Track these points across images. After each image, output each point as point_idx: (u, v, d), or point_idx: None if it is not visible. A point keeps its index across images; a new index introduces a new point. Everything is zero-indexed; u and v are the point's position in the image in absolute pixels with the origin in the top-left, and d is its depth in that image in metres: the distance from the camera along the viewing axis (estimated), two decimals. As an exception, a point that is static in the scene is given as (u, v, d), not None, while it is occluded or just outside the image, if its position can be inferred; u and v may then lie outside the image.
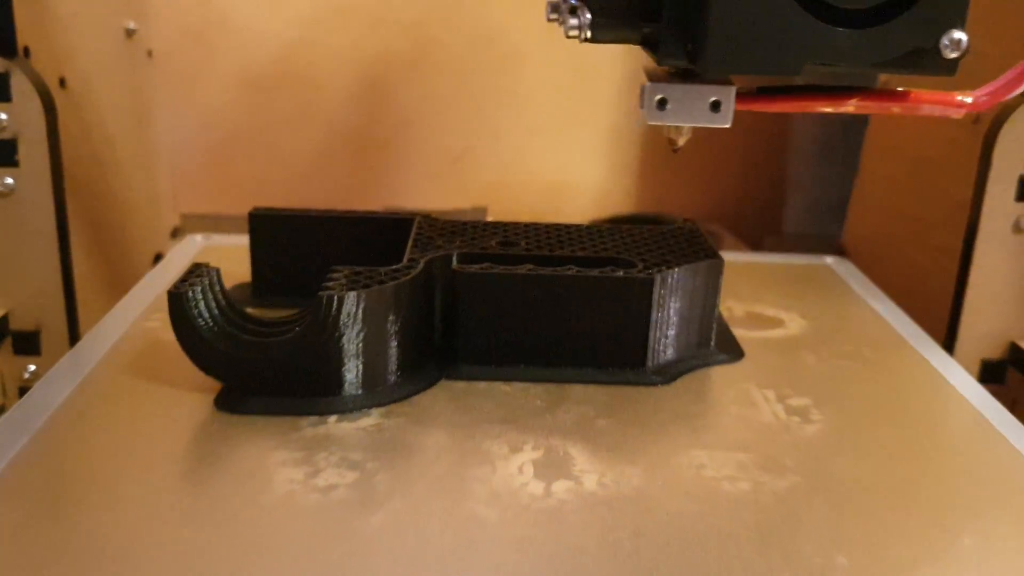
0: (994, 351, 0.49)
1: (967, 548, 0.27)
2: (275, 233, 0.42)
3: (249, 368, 0.33)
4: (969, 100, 0.31)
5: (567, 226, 0.42)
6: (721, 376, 0.37)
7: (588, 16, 0.29)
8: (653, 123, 0.30)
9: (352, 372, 0.33)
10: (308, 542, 0.26)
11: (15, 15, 0.45)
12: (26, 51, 0.46)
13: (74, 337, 0.49)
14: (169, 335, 0.33)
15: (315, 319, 0.32)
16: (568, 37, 0.30)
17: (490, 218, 0.73)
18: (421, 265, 0.36)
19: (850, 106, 0.31)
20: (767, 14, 0.27)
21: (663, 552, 0.26)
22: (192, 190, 0.81)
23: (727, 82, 0.30)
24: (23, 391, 0.48)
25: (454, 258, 0.37)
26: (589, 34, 0.29)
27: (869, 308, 0.46)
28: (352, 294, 0.32)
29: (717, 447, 0.32)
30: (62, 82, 0.51)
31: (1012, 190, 0.47)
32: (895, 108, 0.31)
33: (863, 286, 0.49)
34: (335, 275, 0.34)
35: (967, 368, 0.48)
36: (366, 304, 0.33)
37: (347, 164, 0.85)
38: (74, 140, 0.51)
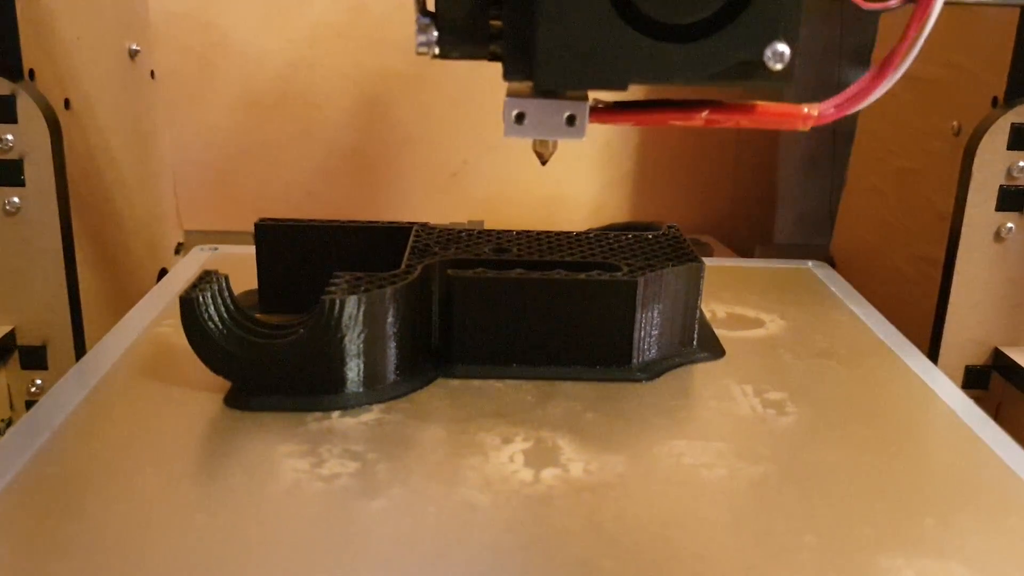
0: (978, 357, 0.51)
1: (928, 528, 0.29)
2: (280, 242, 0.45)
3: (257, 368, 0.35)
4: (815, 113, 0.31)
5: (556, 233, 0.45)
6: (703, 373, 0.39)
7: (435, 34, 0.30)
8: (511, 136, 0.31)
9: (354, 371, 0.35)
10: (313, 525, 0.28)
11: (21, 39, 0.46)
12: (31, 73, 0.48)
13: (80, 352, 0.50)
14: (180, 339, 0.35)
15: (319, 321, 0.34)
16: (418, 54, 0.30)
17: (485, 230, 0.75)
18: (418, 270, 0.38)
19: (700, 119, 0.31)
20: (593, 31, 0.28)
21: (643, 533, 0.28)
22: (195, 207, 0.83)
23: (583, 97, 0.31)
24: (30, 405, 0.49)
25: (449, 264, 0.39)
26: (437, 51, 0.30)
27: (847, 310, 0.48)
28: (353, 298, 0.34)
29: (696, 437, 0.34)
30: (67, 103, 0.52)
31: (992, 201, 0.48)
32: (744, 121, 0.31)
33: (842, 290, 0.51)
34: (337, 280, 0.36)
35: (952, 374, 0.50)
36: (366, 307, 0.35)
37: (347, 180, 0.86)
38: (79, 160, 0.53)
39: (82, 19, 0.55)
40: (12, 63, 0.46)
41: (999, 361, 0.50)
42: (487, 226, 0.82)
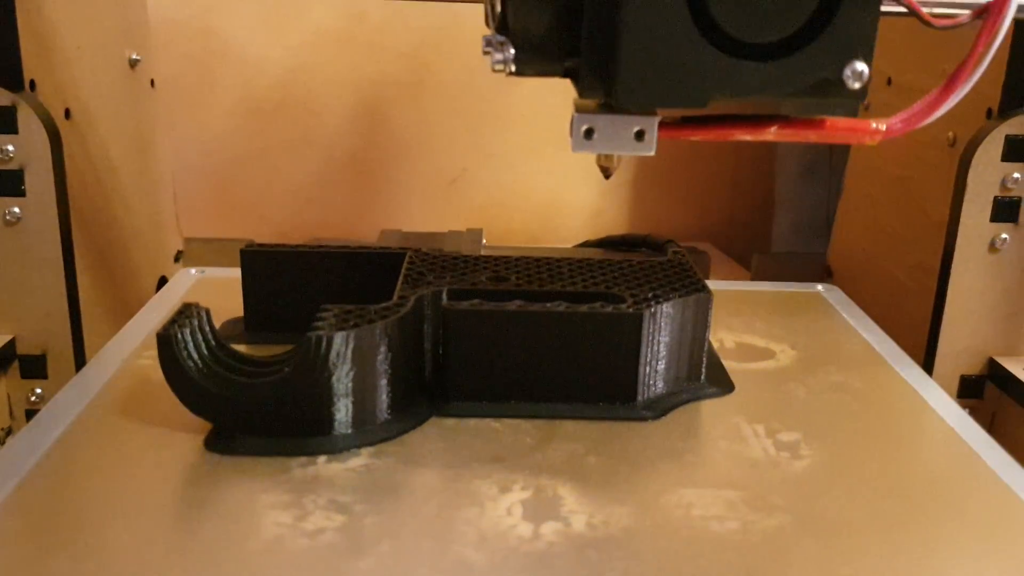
0: (972, 367, 0.51)
1: (956, 588, 0.27)
2: (266, 269, 0.43)
3: (238, 409, 0.33)
4: (883, 127, 0.31)
5: (557, 260, 0.43)
6: (711, 410, 0.37)
7: (512, 51, 0.30)
8: (579, 151, 0.31)
9: (342, 412, 0.33)
10: (295, 589, 0.26)
11: (22, 49, 0.46)
12: (32, 84, 0.48)
13: (80, 360, 0.50)
14: (159, 373, 0.33)
15: (304, 359, 0.32)
16: (494, 71, 0.30)
17: (485, 239, 0.73)
18: (411, 302, 0.36)
19: (769, 134, 0.31)
20: (676, 50, 0.28)
21: (651, 596, 0.26)
22: (195, 215, 0.83)
23: (651, 112, 0.31)
24: (30, 414, 0.49)
25: (444, 294, 0.37)
26: (513, 68, 0.30)
27: (860, 339, 0.46)
28: (340, 334, 0.32)
29: (706, 485, 0.32)
30: (67, 113, 0.52)
31: (987, 211, 0.48)
32: (811, 135, 0.32)
33: (852, 314, 0.49)
34: (325, 314, 0.34)
35: (947, 383, 0.50)
36: (355, 344, 0.33)
37: (346, 187, 0.86)
38: (79, 169, 0.53)
39: (83, 29, 0.55)
40: (13, 74, 0.46)
41: (994, 371, 0.50)
42: (486, 233, 0.81)
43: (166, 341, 0.33)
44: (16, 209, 0.47)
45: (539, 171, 0.87)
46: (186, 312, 0.34)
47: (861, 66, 0.28)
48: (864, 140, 0.31)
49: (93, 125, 0.56)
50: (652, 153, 0.31)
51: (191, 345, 0.33)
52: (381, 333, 0.34)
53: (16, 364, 0.49)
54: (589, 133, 0.31)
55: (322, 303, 0.35)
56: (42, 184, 0.47)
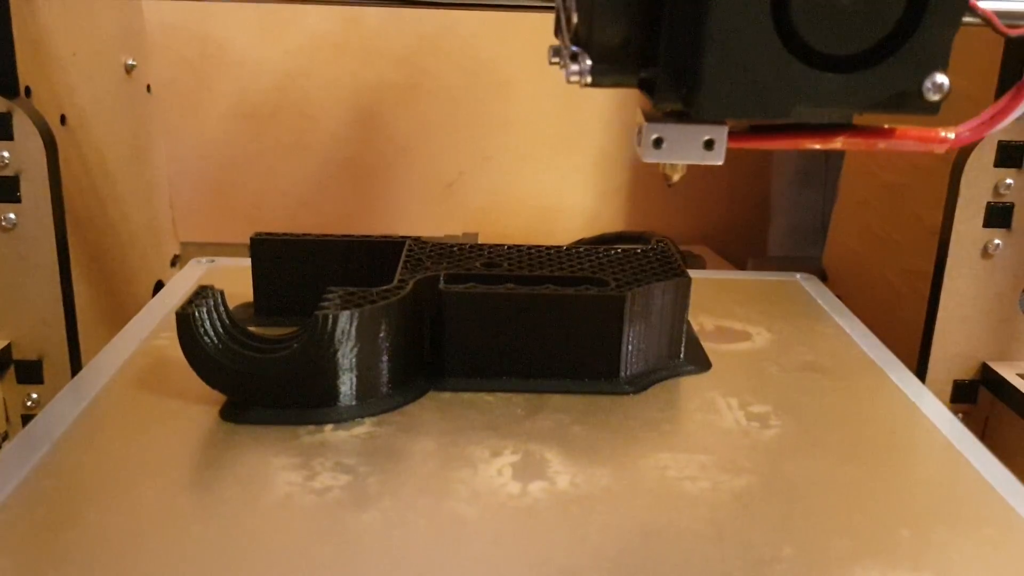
0: (966, 372, 0.51)
1: (904, 540, 0.30)
2: (275, 256, 0.45)
3: (251, 382, 0.36)
4: (952, 136, 0.31)
5: (546, 248, 0.45)
6: (689, 385, 0.40)
7: (588, 63, 0.30)
8: (649, 160, 0.31)
9: (346, 385, 0.36)
10: (305, 537, 0.29)
11: (17, 56, 0.46)
12: (27, 91, 0.48)
13: (76, 366, 0.50)
14: (176, 352, 0.36)
15: (312, 336, 0.35)
16: (569, 82, 0.30)
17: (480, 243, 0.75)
18: (410, 285, 0.38)
19: (837, 143, 0.31)
20: (758, 61, 0.28)
21: (626, 545, 0.29)
22: (191, 219, 0.84)
23: (720, 122, 0.31)
24: (25, 419, 0.50)
25: (441, 278, 0.40)
26: (589, 79, 0.30)
27: (833, 323, 0.49)
28: (346, 313, 0.35)
29: (681, 450, 0.35)
30: (63, 119, 0.52)
31: (980, 217, 0.49)
32: (881, 144, 0.32)
33: (829, 303, 0.52)
34: (330, 295, 0.37)
35: (940, 388, 0.51)
36: (359, 322, 0.36)
37: (342, 191, 0.87)
38: (75, 174, 0.53)
39: (78, 35, 0.55)
40: (9, 81, 0.46)
41: (987, 376, 0.51)
42: (482, 237, 0.83)
43: (185, 319, 0.36)
44: (12, 215, 0.47)
45: (535, 175, 0.88)
46: (202, 293, 0.37)
47: (941, 78, 0.28)
48: (933, 148, 0.31)
49: (89, 131, 0.56)
50: (720, 162, 0.31)
51: (207, 323, 0.36)
52: (383, 312, 0.36)
53: (12, 369, 0.50)
54: (659, 142, 0.31)
55: (327, 287, 0.38)
56: (38, 190, 0.47)
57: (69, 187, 0.50)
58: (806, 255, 0.85)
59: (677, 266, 0.43)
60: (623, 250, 0.45)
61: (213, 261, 0.55)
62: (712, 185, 0.91)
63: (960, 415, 0.50)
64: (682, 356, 0.42)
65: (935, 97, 0.29)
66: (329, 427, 0.35)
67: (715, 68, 0.28)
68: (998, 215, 0.48)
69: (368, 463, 0.33)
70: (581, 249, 0.45)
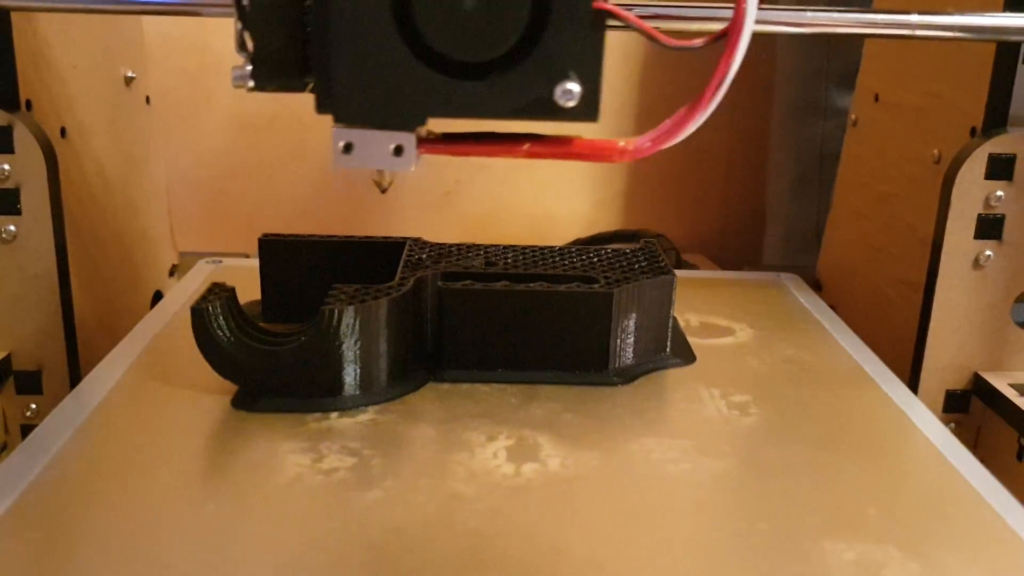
0: (958, 382, 0.52)
1: (871, 517, 0.32)
2: (282, 256, 0.48)
3: (261, 373, 0.38)
4: (631, 147, 0.31)
5: (541, 248, 0.48)
6: (674, 377, 0.43)
7: (248, 68, 0.31)
8: (340, 166, 0.31)
9: (351, 375, 0.38)
10: (314, 514, 0.31)
11: (18, 69, 0.47)
12: (28, 104, 0.48)
13: (75, 376, 0.50)
14: (190, 345, 0.38)
15: (319, 330, 0.37)
16: (234, 87, 0.31)
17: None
18: (411, 283, 0.41)
19: (522, 152, 0.31)
20: (387, 66, 0.28)
21: (612, 520, 0.31)
22: (190, 229, 0.83)
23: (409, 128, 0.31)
24: (25, 430, 0.50)
25: (440, 276, 0.43)
26: (252, 83, 0.31)
27: (813, 320, 0.51)
28: (351, 308, 0.38)
29: (665, 436, 0.37)
30: (63, 132, 0.53)
31: (971, 228, 0.49)
32: (561, 154, 0.32)
33: (811, 301, 0.54)
34: (336, 292, 0.39)
35: (933, 398, 0.51)
36: (363, 317, 0.38)
37: (339, 200, 0.88)
38: (74, 186, 0.53)
39: (78, 48, 0.55)
40: (9, 94, 0.47)
41: (979, 386, 0.51)
42: (478, 245, 0.84)
43: (199, 314, 0.38)
44: (12, 227, 0.47)
45: (532, 183, 0.89)
46: (215, 290, 0.39)
47: (573, 85, 0.29)
48: (612, 158, 0.32)
49: (88, 143, 0.56)
50: (411, 169, 0.31)
51: (220, 317, 0.38)
52: (385, 308, 0.39)
53: (11, 380, 0.50)
54: (348, 147, 0.31)
55: (333, 285, 0.40)
56: (38, 202, 0.47)
57: (69, 198, 0.50)
58: (800, 264, 0.84)
59: (663, 265, 0.45)
60: (613, 250, 0.47)
61: (220, 262, 0.57)
62: (707, 194, 0.92)
63: (952, 425, 0.51)
64: (668, 350, 0.44)
65: (568, 104, 0.29)
66: (335, 415, 0.38)
67: (344, 72, 0.28)
68: (989, 226, 0.49)
69: (372, 447, 0.35)
70: (573, 249, 0.48)
